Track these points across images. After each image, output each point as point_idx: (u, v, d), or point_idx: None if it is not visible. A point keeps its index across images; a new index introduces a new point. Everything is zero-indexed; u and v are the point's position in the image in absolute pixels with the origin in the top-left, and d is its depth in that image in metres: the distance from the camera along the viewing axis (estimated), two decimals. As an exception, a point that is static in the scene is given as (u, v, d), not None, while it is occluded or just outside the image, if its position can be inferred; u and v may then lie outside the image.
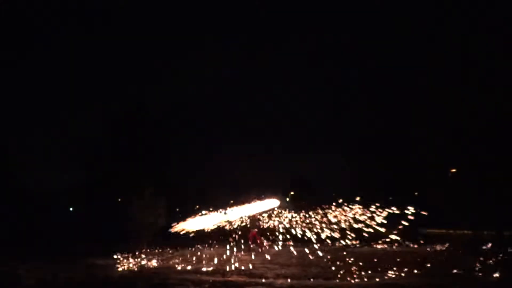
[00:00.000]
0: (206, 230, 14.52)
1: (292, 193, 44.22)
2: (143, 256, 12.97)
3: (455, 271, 8.48)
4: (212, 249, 14.81)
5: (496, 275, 7.86)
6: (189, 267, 10.33)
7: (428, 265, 9.53)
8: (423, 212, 13.27)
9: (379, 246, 14.53)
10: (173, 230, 14.08)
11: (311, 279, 8.13)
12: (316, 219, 14.57)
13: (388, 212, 12.92)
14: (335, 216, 14.09)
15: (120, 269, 10.49)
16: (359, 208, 13.60)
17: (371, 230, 12.75)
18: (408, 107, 18.13)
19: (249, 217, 14.27)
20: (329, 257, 11.46)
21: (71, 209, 28.65)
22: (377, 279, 7.91)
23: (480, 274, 8.13)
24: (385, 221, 12.88)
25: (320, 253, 12.16)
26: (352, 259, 10.86)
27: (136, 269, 10.46)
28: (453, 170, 18.38)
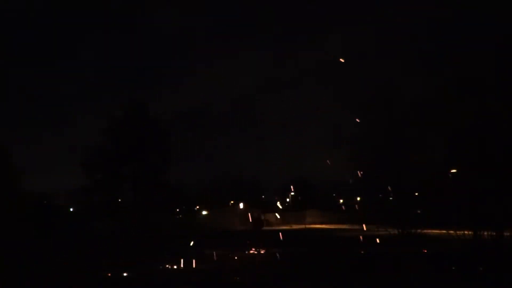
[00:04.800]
0: None
1: (292, 193, 44.07)
2: (143, 256, 12.94)
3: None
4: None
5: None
6: (188, 267, 10.31)
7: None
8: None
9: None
10: None
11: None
12: None
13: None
14: None
15: (120, 268, 10.48)
16: None
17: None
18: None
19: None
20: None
21: (71, 209, 28.82)
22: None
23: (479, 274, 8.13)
24: None
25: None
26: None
27: (136, 268, 10.44)
28: (453, 170, 18.27)
